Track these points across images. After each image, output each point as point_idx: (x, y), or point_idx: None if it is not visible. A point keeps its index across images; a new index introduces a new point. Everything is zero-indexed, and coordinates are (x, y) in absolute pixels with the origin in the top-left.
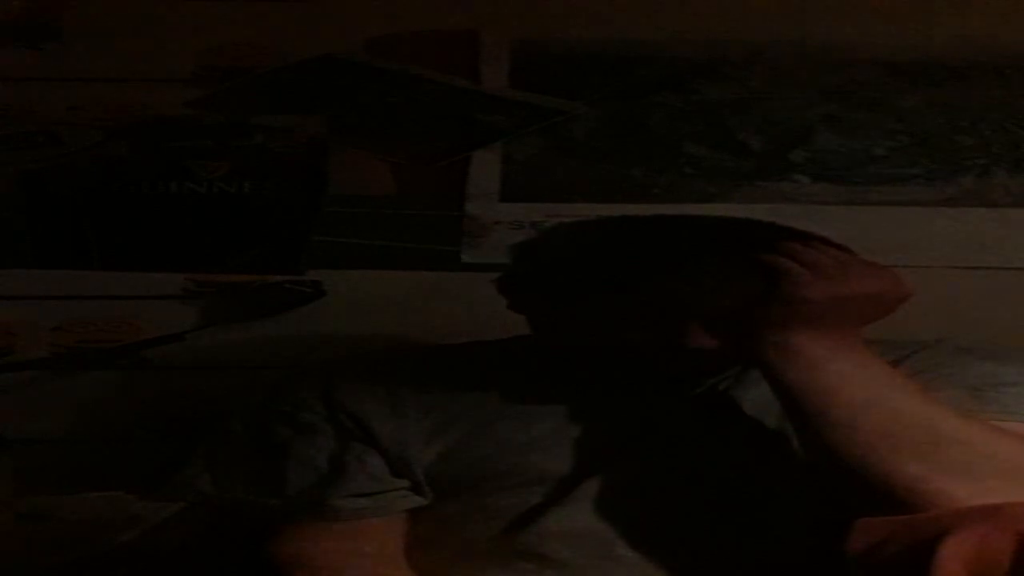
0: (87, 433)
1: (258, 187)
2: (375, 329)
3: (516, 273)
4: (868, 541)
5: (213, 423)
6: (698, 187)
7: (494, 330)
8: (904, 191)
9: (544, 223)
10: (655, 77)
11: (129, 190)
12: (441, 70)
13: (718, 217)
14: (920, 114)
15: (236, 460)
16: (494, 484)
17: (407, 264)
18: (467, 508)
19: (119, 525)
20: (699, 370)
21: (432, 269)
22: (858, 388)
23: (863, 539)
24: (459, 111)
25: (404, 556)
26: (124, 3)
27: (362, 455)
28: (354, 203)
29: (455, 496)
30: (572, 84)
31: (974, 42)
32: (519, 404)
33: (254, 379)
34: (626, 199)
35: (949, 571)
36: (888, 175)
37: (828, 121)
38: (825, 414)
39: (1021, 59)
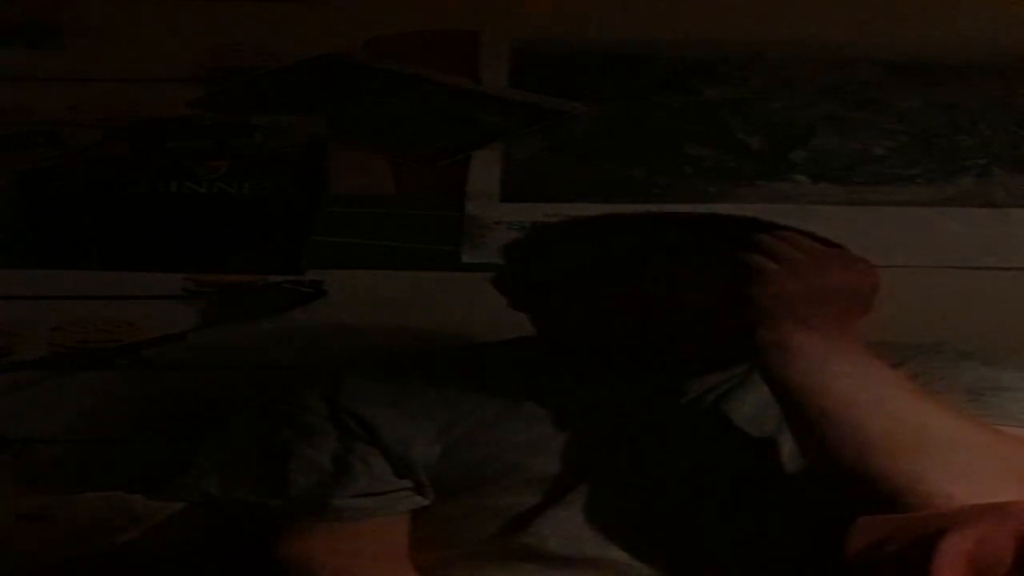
0: (87, 433)
1: (258, 187)
2: (375, 329)
3: (509, 272)
4: (868, 540)
5: (218, 423)
6: (698, 187)
7: (494, 330)
8: (904, 191)
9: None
10: (655, 77)
11: (129, 190)
12: (441, 70)
13: (699, 214)
14: (920, 114)
15: (241, 461)
16: (494, 485)
17: (407, 264)
18: (468, 508)
19: (119, 525)
20: (701, 369)
21: (432, 269)
22: (857, 388)
23: (863, 538)
24: (459, 111)
25: (408, 556)
26: (124, 3)
27: (365, 456)
28: (354, 203)
29: (456, 496)
30: (572, 84)
31: (974, 42)
32: (520, 405)
33: (254, 379)
34: (626, 199)
35: (949, 569)
36: (888, 175)
37: (828, 121)
38: (824, 414)
39: (1021, 59)
